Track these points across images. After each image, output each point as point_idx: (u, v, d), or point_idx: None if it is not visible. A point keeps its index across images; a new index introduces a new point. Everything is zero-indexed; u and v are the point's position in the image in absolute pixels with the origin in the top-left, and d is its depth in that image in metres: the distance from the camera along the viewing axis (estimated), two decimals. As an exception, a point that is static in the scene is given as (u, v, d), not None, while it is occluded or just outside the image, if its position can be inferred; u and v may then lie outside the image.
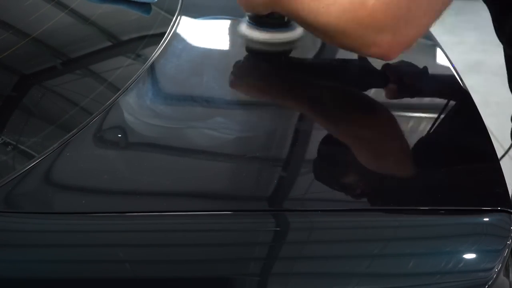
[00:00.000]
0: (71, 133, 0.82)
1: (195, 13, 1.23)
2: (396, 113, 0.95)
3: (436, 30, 1.28)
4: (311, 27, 0.93)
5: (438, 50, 1.16)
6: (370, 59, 1.04)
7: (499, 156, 0.85)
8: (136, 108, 0.92)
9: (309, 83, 1.01)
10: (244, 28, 1.13)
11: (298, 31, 1.10)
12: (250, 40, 1.12)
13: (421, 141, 0.88)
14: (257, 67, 1.11)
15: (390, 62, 0.99)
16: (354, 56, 1.04)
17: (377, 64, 1.02)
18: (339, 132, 0.91)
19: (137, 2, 1.17)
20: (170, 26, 1.14)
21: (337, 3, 0.85)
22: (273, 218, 0.75)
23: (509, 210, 0.75)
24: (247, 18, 1.13)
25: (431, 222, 0.76)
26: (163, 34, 1.11)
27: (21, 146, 0.82)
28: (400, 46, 0.87)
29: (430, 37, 1.23)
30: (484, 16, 0.96)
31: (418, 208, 0.76)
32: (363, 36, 0.84)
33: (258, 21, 1.11)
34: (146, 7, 1.19)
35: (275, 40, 1.11)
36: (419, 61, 1.07)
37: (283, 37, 1.11)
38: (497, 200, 0.77)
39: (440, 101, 0.98)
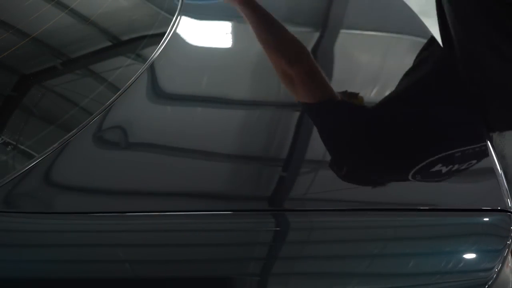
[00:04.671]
0: (71, 133, 0.82)
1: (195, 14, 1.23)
2: (397, 115, 0.95)
3: (436, 30, 1.28)
4: None
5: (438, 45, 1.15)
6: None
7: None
8: (135, 109, 0.93)
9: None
10: None
11: None
12: None
13: (422, 143, 0.88)
14: None
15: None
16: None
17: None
18: (343, 133, 0.91)
19: None
20: (170, 26, 1.14)
21: None
22: (273, 218, 0.75)
23: (509, 210, 0.75)
24: None
25: (431, 222, 0.76)
26: (163, 34, 1.11)
27: (21, 146, 0.82)
28: None
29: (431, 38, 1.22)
30: (484, 16, 0.96)
31: (418, 208, 0.77)
32: None
33: None
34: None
35: None
36: (420, 60, 1.07)
37: None
38: (497, 200, 0.77)
39: (440, 101, 0.98)
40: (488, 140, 0.88)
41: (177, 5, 1.21)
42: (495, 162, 0.84)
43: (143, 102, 0.94)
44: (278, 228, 0.75)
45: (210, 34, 1.18)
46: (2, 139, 0.80)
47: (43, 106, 0.92)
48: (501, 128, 0.96)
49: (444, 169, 0.83)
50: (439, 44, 1.13)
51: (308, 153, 0.86)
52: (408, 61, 1.07)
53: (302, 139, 0.90)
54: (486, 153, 0.85)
